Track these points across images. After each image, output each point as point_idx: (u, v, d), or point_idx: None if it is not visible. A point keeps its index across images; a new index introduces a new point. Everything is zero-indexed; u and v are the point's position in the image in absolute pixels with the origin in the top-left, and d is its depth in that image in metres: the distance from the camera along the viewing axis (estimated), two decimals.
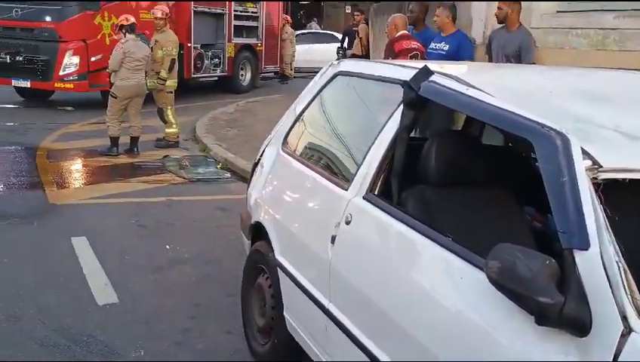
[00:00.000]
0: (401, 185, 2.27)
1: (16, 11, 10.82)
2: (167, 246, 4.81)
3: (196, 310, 3.79)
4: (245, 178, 7.04)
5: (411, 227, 2.05)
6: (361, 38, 11.36)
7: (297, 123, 3.16)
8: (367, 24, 11.50)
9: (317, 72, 3.27)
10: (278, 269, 2.82)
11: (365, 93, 2.84)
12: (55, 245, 4.72)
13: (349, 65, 3.01)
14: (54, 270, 4.26)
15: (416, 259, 2.05)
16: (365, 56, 11.20)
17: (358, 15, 11.70)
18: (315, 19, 27.39)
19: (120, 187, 6.55)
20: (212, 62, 13.98)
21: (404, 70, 2.42)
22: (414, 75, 2.27)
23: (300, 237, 2.68)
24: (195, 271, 4.40)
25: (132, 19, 7.92)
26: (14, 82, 11.33)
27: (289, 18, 18.05)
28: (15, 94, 12.19)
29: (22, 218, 5.28)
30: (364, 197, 2.29)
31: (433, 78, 2.24)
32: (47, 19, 10.65)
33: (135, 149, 8.06)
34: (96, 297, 3.89)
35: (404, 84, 2.27)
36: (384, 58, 5.97)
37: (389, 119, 2.36)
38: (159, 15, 8.43)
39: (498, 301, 1.55)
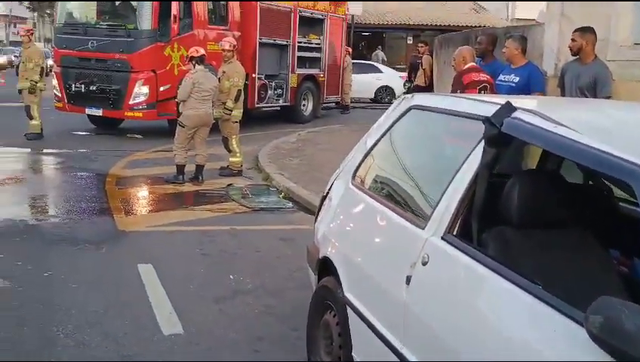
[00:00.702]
0: (481, 225, 2.17)
1: (92, 43, 11.33)
2: (231, 276, 4.80)
3: (260, 344, 3.74)
4: (307, 208, 7.08)
5: (495, 271, 1.95)
6: (424, 70, 11.27)
7: (368, 157, 3.10)
8: (431, 55, 11.43)
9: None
10: (347, 307, 2.74)
11: (441, 128, 2.76)
12: (122, 272, 4.79)
13: (423, 98, 2.95)
14: (122, 297, 4.32)
15: (501, 307, 1.93)
16: (429, 87, 11.12)
17: (422, 46, 11.64)
18: (380, 47, 27.51)
19: (185, 215, 6.65)
20: (275, 92, 14.20)
21: (485, 105, 2.34)
22: (496, 111, 2.18)
23: (371, 275, 2.60)
24: (258, 303, 4.37)
25: (202, 51, 8.13)
26: (87, 110, 11.84)
27: (350, 49, 18.21)
28: (87, 122, 12.71)
29: (91, 243, 5.41)
30: (442, 238, 2.19)
31: (516, 114, 2.15)
32: (120, 50, 11.08)
33: (200, 177, 8.20)
34: (162, 326, 3.90)
35: (486, 120, 2.18)
36: (452, 90, 5.87)
37: (468, 156, 2.27)
38: (227, 47, 8.63)
39: (598, 357, 1.43)
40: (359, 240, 2.82)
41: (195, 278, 4.77)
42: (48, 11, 66.72)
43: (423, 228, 2.32)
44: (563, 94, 5.61)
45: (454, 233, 2.20)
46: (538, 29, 7.11)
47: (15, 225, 5.85)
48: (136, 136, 12.12)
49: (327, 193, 3.41)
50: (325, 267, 3.18)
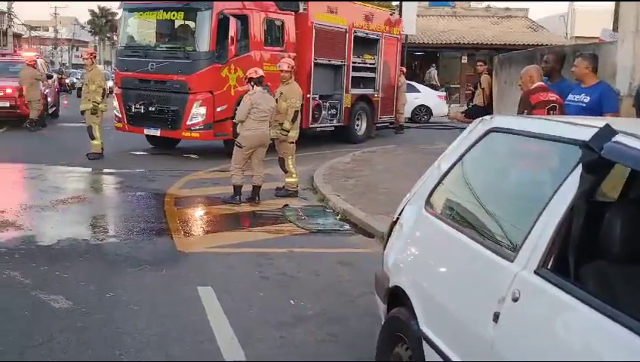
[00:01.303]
0: (579, 258, 1.99)
1: (151, 65, 11.57)
2: (292, 301, 4.70)
3: None
4: (365, 230, 6.95)
5: (597, 309, 1.76)
6: (483, 89, 11.04)
7: (442, 182, 2.95)
8: (490, 75, 11.19)
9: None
10: (423, 341, 2.58)
11: (527, 152, 2.58)
12: (183, 294, 4.75)
13: (504, 121, 2.79)
14: (182, 320, 4.26)
15: (604, 350, 1.75)
16: (487, 107, 10.87)
17: (480, 65, 11.41)
18: (434, 65, 27.30)
19: (243, 236, 6.60)
20: (329, 112, 14.17)
21: (580, 129, 2.17)
22: (595, 135, 2.01)
23: (452, 308, 2.43)
24: (320, 330, 4.24)
25: (260, 72, 8.15)
26: (146, 131, 12.07)
27: (404, 69, 18.09)
28: (146, 142, 12.96)
29: (152, 264, 5.41)
30: (535, 272, 2.02)
31: (618, 138, 1.97)
32: (179, 72, 11.26)
33: (256, 198, 8.19)
34: (223, 351, 3.82)
35: (584, 144, 2.01)
36: (519, 111, 5.65)
37: (561, 184, 2.10)
38: (285, 68, 8.65)
39: None
40: (437, 271, 2.66)
41: (255, 302, 4.68)
42: (108, 35, 69.52)
43: (512, 261, 2.16)
44: (638, 114, 5.33)
45: (548, 267, 2.03)
46: (610, 46, 6.82)
47: (78, 244, 5.93)
48: (193, 156, 12.28)
49: (398, 219, 3.27)
50: (396, 296, 3.03)
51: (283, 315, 4.45)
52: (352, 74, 14.56)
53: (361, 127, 15.52)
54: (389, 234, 3.33)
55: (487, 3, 35.12)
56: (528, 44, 25.06)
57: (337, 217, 7.59)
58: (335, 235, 6.86)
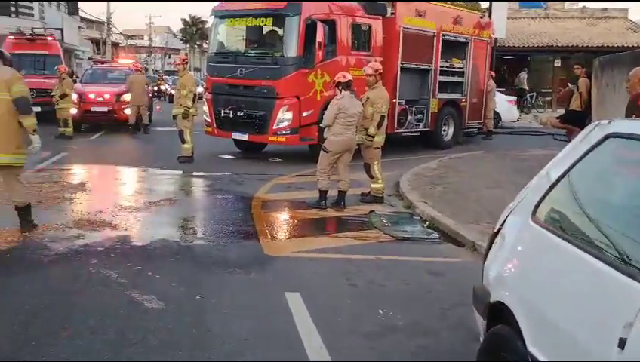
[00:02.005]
0: None
1: (241, 71, 11.78)
2: (380, 311, 4.56)
3: None
4: (454, 239, 6.70)
5: None
6: (580, 93, 10.45)
7: (553, 191, 2.72)
8: (588, 78, 10.59)
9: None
10: None
11: None
12: (271, 299, 4.72)
13: (625, 125, 2.54)
14: (271, 325, 4.23)
15: None
16: (585, 112, 10.30)
17: (577, 68, 10.82)
18: (525, 69, 26.35)
19: (329, 241, 6.53)
20: (415, 117, 13.92)
21: None
22: None
23: (566, 330, 2.22)
24: (410, 342, 4.08)
25: (349, 77, 8.08)
26: (234, 135, 12.30)
27: (493, 73, 17.53)
28: (233, 146, 13.22)
29: (240, 268, 5.43)
30: None
31: None
32: (267, 77, 11.39)
33: (342, 203, 8.11)
34: (312, 360, 3.74)
35: None
36: (626, 115, 5.26)
37: None
38: (369, 72, 8.53)
39: None
40: (548, 287, 2.44)
41: (344, 310, 4.58)
42: (198, 43, 72.05)
43: None
44: None
45: None
46: None
47: (169, 245, 6.05)
48: (278, 160, 12.40)
49: (500, 229, 3.06)
50: (497, 312, 2.83)
51: (372, 325, 4.33)
52: (440, 78, 14.24)
53: (448, 132, 15.16)
54: (490, 246, 3.12)
55: (582, 4, 33.59)
56: (628, 46, 23.68)
57: (425, 225, 7.38)
58: (423, 243, 6.66)
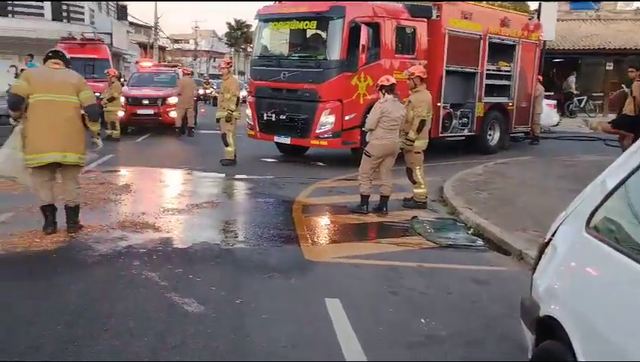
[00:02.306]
0: None
1: (283, 74, 11.79)
2: (422, 320, 4.44)
3: None
4: (500, 247, 6.51)
5: None
6: (634, 97, 10.05)
7: (609, 201, 2.57)
8: None
9: None
10: None
11: None
12: (311, 305, 4.66)
13: None
14: (310, 332, 4.16)
15: None
16: (638, 117, 9.89)
17: (632, 71, 10.40)
18: (574, 72, 25.65)
19: (370, 247, 6.43)
20: (460, 121, 13.69)
21: None
22: None
23: (626, 349, 2.07)
24: (454, 353, 3.95)
25: (392, 80, 7.97)
26: (276, 138, 12.33)
27: (541, 77, 17.09)
28: (275, 149, 13.25)
29: (280, 272, 5.39)
30: None
31: None
32: (310, 81, 11.36)
33: (384, 208, 7.99)
34: None
35: None
36: None
37: None
38: (411, 74, 8.41)
39: None
40: (605, 304, 2.29)
41: (384, 318, 4.48)
42: (243, 46, 72.86)
43: None
44: None
45: None
46: None
47: (211, 248, 6.06)
48: (320, 164, 12.36)
49: (550, 240, 2.91)
50: (547, 327, 2.69)
51: (414, 334, 4.21)
52: (486, 81, 13.97)
53: (494, 137, 14.85)
54: (539, 257, 2.98)
55: (636, 4, 32.52)
56: None
57: (469, 232, 7.20)
58: (467, 251, 6.48)
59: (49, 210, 6.28)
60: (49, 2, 28.67)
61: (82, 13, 31.38)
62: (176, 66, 22.13)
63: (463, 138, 14.54)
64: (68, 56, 6.78)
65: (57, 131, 6.06)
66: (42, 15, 28.47)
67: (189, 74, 18.27)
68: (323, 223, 7.55)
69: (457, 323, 4.45)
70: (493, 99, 14.37)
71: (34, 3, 28.23)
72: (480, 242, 6.79)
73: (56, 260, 5.53)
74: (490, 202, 8.45)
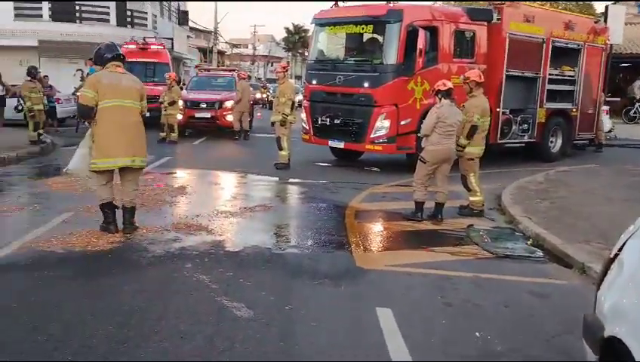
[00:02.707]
0: None
1: (339, 78, 11.74)
2: (477, 334, 4.27)
3: None
4: (561, 259, 6.23)
5: None
6: None
7: None
8: None
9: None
10: None
11: None
12: (361, 314, 4.56)
13: None
14: (360, 342, 4.06)
15: None
16: None
17: None
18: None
19: (424, 256, 6.27)
20: (520, 127, 13.29)
21: None
22: None
23: None
24: None
25: (449, 85, 7.79)
26: (330, 143, 12.28)
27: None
28: (329, 154, 13.21)
29: (331, 279, 5.31)
30: None
31: None
32: (365, 85, 11.27)
33: (439, 216, 7.81)
34: None
35: None
36: None
37: None
38: (465, 80, 8.22)
39: None
40: None
41: (437, 330, 4.33)
42: (300, 51, 73.41)
43: None
44: None
45: None
46: None
47: (261, 252, 6.04)
48: (374, 169, 12.23)
49: (617, 254, 2.73)
50: (612, 349, 2.51)
51: (467, 348, 4.05)
52: (548, 87, 13.51)
53: (556, 143, 14.36)
54: (605, 273, 2.80)
55: None
56: None
57: (528, 242, 6.93)
58: (525, 262, 6.23)
59: (110, 208, 6.43)
60: (114, 9, 29.62)
61: (145, 19, 32.32)
62: (234, 70, 22.38)
63: (523, 145, 14.11)
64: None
65: (127, 136, 6.26)
66: (108, 21, 29.47)
67: (244, 78, 18.47)
68: (376, 230, 7.43)
69: (514, 338, 4.26)
70: (555, 104, 13.90)
71: (100, 9, 29.24)
72: (539, 253, 6.53)
73: (111, 260, 5.63)
74: (551, 212, 8.13)
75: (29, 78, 14.59)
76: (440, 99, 7.75)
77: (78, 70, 20.54)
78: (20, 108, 16.91)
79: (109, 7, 29.46)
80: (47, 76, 16.04)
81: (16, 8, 27.88)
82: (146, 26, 32.01)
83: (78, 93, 17.40)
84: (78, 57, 23.82)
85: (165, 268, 5.46)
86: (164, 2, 36.63)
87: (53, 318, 4.24)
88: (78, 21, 29.19)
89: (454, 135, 7.75)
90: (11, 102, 17.61)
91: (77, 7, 29.24)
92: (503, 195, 9.16)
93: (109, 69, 6.38)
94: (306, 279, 5.29)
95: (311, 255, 6.06)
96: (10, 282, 4.99)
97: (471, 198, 8.29)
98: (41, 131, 14.43)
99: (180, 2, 42.38)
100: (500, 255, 6.40)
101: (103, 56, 6.42)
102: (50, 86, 18.69)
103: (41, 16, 28.45)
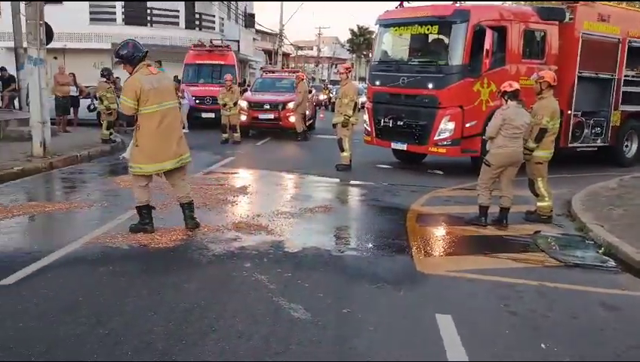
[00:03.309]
0: None
1: (402, 79, 11.58)
2: (543, 345, 4.08)
3: None
4: (635, 269, 5.88)
5: None
6: None
7: None
8: None
9: None
10: None
11: None
12: (420, 320, 4.44)
13: None
14: (418, 349, 3.94)
15: None
16: None
17: None
18: None
19: (488, 262, 6.07)
20: (592, 130, 12.73)
21: None
22: None
23: None
24: None
25: (516, 86, 7.53)
26: (393, 145, 12.15)
27: None
28: (391, 156, 13.08)
29: (390, 283, 5.20)
30: None
31: None
32: (430, 86, 11.07)
33: (504, 221, 7.56)
34: None
35: None
36: None
37: None
38: (534, 79, 7.94)
39: None
40: None
41: (500, 340, 4.16)
42: (364, 53, 73.24)
43: None
44: None
45: None
46: None
47: (320, 254, 6.00)
48: (437, 172, 12.01)
49: None
50: None
51: (533, 360, 3.87)
52: (623, 88, 12.87)
53: (631, 148, 13.70)
54: None
55: None
56: None
57: (599, 251, 6.60)
58: (596, 272, 5.93)
59: (147, 209, 6.49)
60: (184, 12, 30.41)
61: (213, 22, 33.02)
62: (298, 72, 22.54)
63: (595, 149, 13.52)
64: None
65: (170, 139, 6.29)
66: (177, 24, 30.27)
67: (303, 79, 18.51)
68: (437, 234, 7.26)
69: (583, 351, 4.05)
70: (632, 107, 13.20)
71: (170, 13, 30.08)
72: (612, 263, 6.20)
73: (173, 258, 5.73)
74: (625, 219, 7.72)
75: (104, 79, 15.14)
76: (506, 100, 7.50)
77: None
78: (92, 107, 17.61)
79: (178, 11, 30.25)
80: (118, 77, 16.61)
81: (91, 12, 29.05)
82: (213, 28, 32.70)
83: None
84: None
85: (225, 266, 5.51)
86: (232, 5, 37.30)
87: (116, 313, 4.33)
88: (149, 24, 30.13)
89: (521, 138, 7.48)
90: (84, 103, 18.36)
91: (148, 11, 30.18)
92: (573, 201, 8.78)
93: (142, 71, 6.22)
94: (365, 282, 5.21)
95: (370, 258, 5.97)
96: (78, 277, 5.15)
97: (538, 204, 7.99)
98: (112, 130, 14.94)
99: (246, 4, 43.06)
100: (569, 263, 6.12)
101: (134, 56, 6.24)
102: (121, 88, 19.31)
103: (114, 20, 29.55)
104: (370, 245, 6.45)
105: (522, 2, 20.93)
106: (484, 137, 8.20)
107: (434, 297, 4.96)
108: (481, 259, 6.20)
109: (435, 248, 6.57)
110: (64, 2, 27.08)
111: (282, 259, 5.75)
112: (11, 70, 19.02)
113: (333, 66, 72.63)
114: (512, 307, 4.81)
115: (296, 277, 5.21)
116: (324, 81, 57.11)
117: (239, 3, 40.22)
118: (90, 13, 29.03)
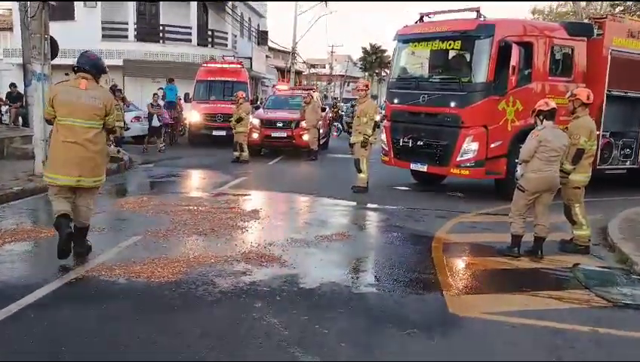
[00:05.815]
0: None
1: (423, 97, 10.99)
2: None
3: None
4: None
5: None
6: None
7: None
8: None
9: None
10: None
11: None
12: None
13: None
14: None
15: None
16: None
17: None
18: None
19: (527, 301, 5.39)
20: (622, 152, 12.07)
21: None
22: None
23: None
24: None
25: (552, 105, 6.91)
26: (412, 166, 11.51)
27: None
28: (408, 176, 12.46)
29: (420, 329, 4.55)
30: None
31: None
32: (452, 104, 10.48)
33: (539, 252, 6.91)
34: None
35: None
36: None
37: None
38: (570, 97, 7.37)
39: None
40: None
41: None
42: (377, 71, 72.90)
43: None
44: None
45: None
46: None
47: (340, 291, 5.36)
48: (458, 194, 11.39)
49: None
50: None
51: None
52: None
53: None
54: None
55: None
56: None
57: None
58: None
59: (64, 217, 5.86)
60: (196, 29, 30.12)
61: (226, 39, 32.68)
62: (311, 89, 22.01)
63: (624, 171, 12.82)
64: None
65: (74, 157, 5.81)
66: (190, 41, 29.94)
67: (313, 97, 18.02)
68: (468, 267, 6.58)
69: None
70: None
71: (182, 30, 29.77)
72: None
73: (175, 295, 5.10)
74: None
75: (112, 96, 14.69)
76: (541, 120, 6.89)
77: (159, 89, 20.77)
78: None
79: (190, 28, 29.95)
80: (125, 97, 16.32)
81: (104, 29, 28.80)
82: (226, 45, 32.34)
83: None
84: (161, 76, 24.17)
85: (232, 306, 4.88)
86: (244, 22, 37.02)
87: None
88: (161, 41, 29.84)
89: (558, 161, 6.86)
90: None
91: (161, 28, 29.91)
92: (609, 229, 8.12)
93: (70, 82, 5.95)
94: (392, 327, 4.56)
95: (396, 297, 5.31)
96: (63, 320, 4.49)
97: (575, 232, 7.34)
98: (120, 148, 14.47)
99: (259, 22, 42.82)
100: (619, 303, 5.46)
101: (75, 66, 5.92)
102: (128, 105, 18.94)
103: (126, 37, 29.27)
104: (395, 280, 5.78)
105: (549, 18, 20.38)
106: (517, 161, 7.57)
107: (472, 346, 4.31)
108: (519, 298, 5.52)
109: (467, 284, 5.89)
110: (77, 19, 26.95)
111: (297, 298, 5.11)
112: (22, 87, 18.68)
113: (346, 84, 72.30)
114: (565, 359, 4.15)
115: (313, 321, 4.58)
116: (335, 98, 56.62)
117: (252, 20, 39.97)
118: (103, 29, 28.78)
